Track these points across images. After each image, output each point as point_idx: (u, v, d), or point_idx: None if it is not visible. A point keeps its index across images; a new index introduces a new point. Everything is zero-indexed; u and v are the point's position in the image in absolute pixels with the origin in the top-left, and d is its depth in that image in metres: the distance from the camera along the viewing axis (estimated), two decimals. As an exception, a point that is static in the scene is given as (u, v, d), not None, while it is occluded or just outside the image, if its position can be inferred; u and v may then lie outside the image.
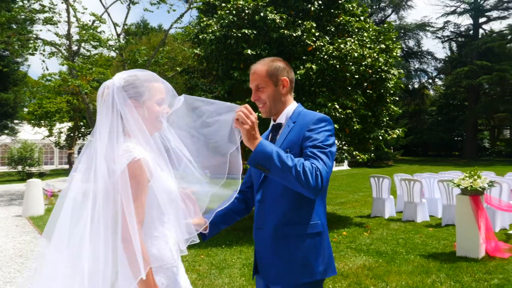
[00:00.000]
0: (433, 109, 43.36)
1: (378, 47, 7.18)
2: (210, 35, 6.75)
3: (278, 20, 6.41)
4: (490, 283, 4.52)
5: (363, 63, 6.79)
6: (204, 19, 7.55)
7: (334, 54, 6.55)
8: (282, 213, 1.85)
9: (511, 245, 5.80)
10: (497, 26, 72.98)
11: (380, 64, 6.95)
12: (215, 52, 6.99)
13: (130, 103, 1.59)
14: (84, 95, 11.84)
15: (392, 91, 7.59)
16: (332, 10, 7.17)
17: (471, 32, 38.28)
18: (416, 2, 78.82)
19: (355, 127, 6.68)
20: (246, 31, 6.44)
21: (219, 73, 7.03)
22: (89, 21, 12.12)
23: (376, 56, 6.80)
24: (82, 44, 12.19)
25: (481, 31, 38.02)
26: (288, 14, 6.82)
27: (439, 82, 45.27)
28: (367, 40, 7.12)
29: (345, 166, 29.72)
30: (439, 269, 5.01)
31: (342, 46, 6.50)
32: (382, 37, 8.02)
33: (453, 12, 39.47)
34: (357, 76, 6.85)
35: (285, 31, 6.42)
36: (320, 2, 6.87)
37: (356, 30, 7.46)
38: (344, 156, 7.66)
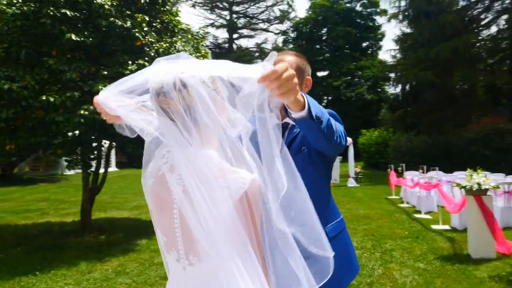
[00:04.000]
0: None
1: (203, 51, 7.31)
2: (13, 8, 5.35)
3: (107, 7, 5.67)
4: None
5: (190, 66, 6.77)
6: (-6, -15, 5.91)
7: (164, 52, 6.28)
8: (320, 214, 1.74)
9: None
10: (245, 43, 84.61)
11: (203, 68, 7.08)
12: (17, 30, 5.58)
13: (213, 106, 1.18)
14: None
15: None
16: (157, 6, 6.84)
17: (227, 45, 43.17)
18: (182, 10, 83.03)
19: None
20: (68, 12, 5.42)
21: (21, 58, 5.64)
22: None
23: (203, 60, 6.90)
24: None
25: (235, 45, 43.39)
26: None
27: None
28: (191, 43, 7.15)
29: (113, 168, 28.40)
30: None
31: (174, 45, 6.30)
32: (193, 41, 8.18)
33: (212, 25, 43.58)
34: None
35: (116, 20, 5.75)
36: (148, -5, 6.46)
37: (181, 31, 7.36)
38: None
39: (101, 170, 7.71)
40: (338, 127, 1.60)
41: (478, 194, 5.58)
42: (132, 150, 6.49)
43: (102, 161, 7.65)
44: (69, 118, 5.47)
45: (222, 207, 1.07)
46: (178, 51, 6.37)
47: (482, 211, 5.51)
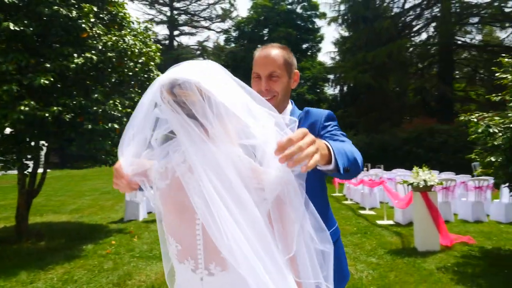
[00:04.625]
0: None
1: (154, 46, 7.01)
2: None
3: (50, -6, 5.23)
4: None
5: (139, 61, 6.48)
6: None
7: (113, 46, 5.93)
8: None
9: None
10: (186, 40, 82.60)
11: (153, 63, 6.82)
12: None
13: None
14: None
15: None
16: (104, -3, 6.45)
17: (167, 42, 42.09)
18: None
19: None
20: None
21: None
22: None
23: (153, 55, 6.62)
24: None
25: (176, 42, 42.45)
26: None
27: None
28: (140, 37, 6.82)
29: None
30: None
31: (123, 39, 5.96)
32: (142, 35, 7.83)
33: (151, 20, 42.22)
34: (131, 74, 6.47)
35: (60, 9, 5.31)
36: (95, -16, 6.05)
37: (129, 24, 6.98)
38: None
39: (38, 172, 7.12)
40: (359, 156, 1.41)
41: (424, 190, 5.89)
42: (77, 148, 6.04)
43: (36, 162, 7.04)
44: (6, 114, 4.98)
45: (252, 209, 0.97)
46: (128, 45, 6.04)
47: (428, 206, 5.82)
